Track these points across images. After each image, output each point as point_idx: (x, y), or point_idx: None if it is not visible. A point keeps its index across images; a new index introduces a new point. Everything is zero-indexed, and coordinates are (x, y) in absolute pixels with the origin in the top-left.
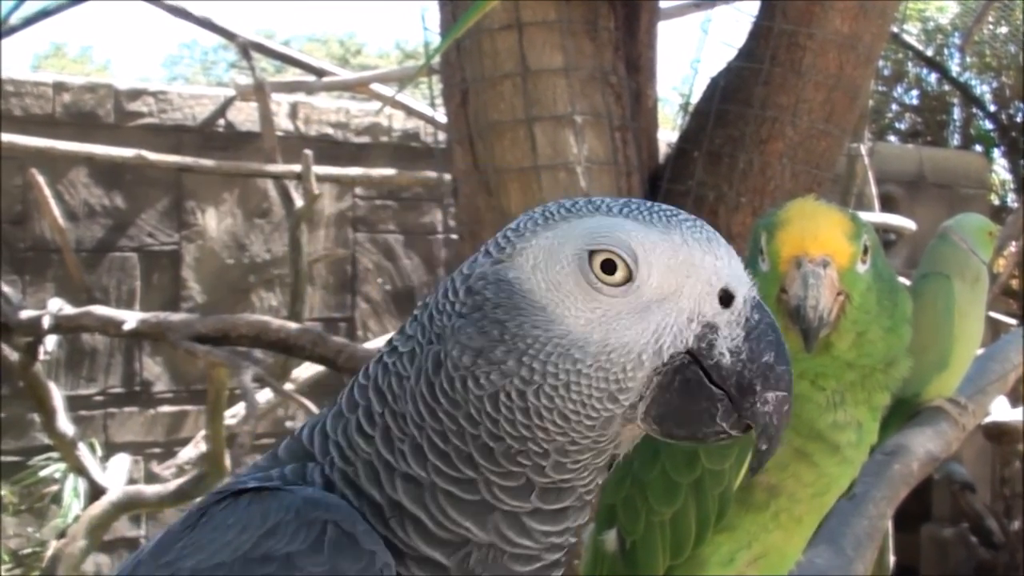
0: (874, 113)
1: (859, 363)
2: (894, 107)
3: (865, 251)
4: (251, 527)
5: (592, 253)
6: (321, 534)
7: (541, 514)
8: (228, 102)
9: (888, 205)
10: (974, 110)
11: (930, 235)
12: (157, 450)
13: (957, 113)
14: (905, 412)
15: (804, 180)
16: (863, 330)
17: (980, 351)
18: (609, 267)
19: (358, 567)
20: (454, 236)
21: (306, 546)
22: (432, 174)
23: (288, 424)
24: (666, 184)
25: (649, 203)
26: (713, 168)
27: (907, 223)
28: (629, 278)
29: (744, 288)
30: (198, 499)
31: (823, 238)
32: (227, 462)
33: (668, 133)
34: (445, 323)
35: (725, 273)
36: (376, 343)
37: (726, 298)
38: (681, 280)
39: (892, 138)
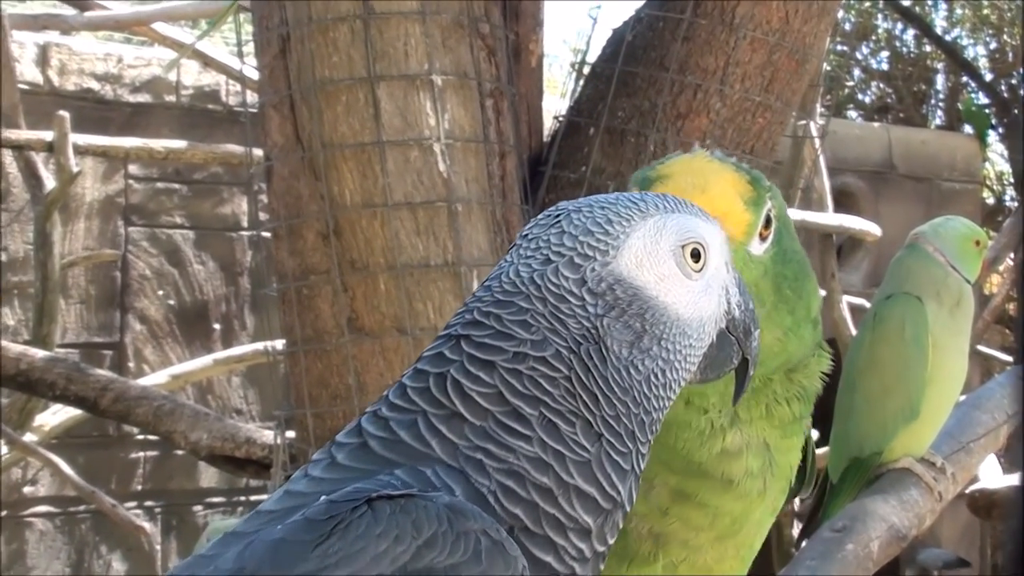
0: (829, 81)
1: None
2: (857, 73)
3: (768, 223)
4: (404, 537)
5: (683, 247)
6: (477, 544)
7: (638, 477)
8: None
9: (845, 201)
10: (964, 79)
11: (898, 243)
12: None
13: (941, 82)
14: (862, 475)
15: None
16: None
17: (962, 397)
18: (696, 256)
19: (508, 571)
20: (265, 234)
21: (467, 557)
22: (236, 148)
23: (27, 490)
24: (551, 169)
25: (679, 197)
26: (614, 150)
27: (869, 227)
28: (704, 263)
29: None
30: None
31: (711, 197)
32: None
33: (556, 101)
34: (585, 325)
35: (726, 245)
36: (155, 378)
37: (727, 265)
38: (719, 258)
39: (853, 114)
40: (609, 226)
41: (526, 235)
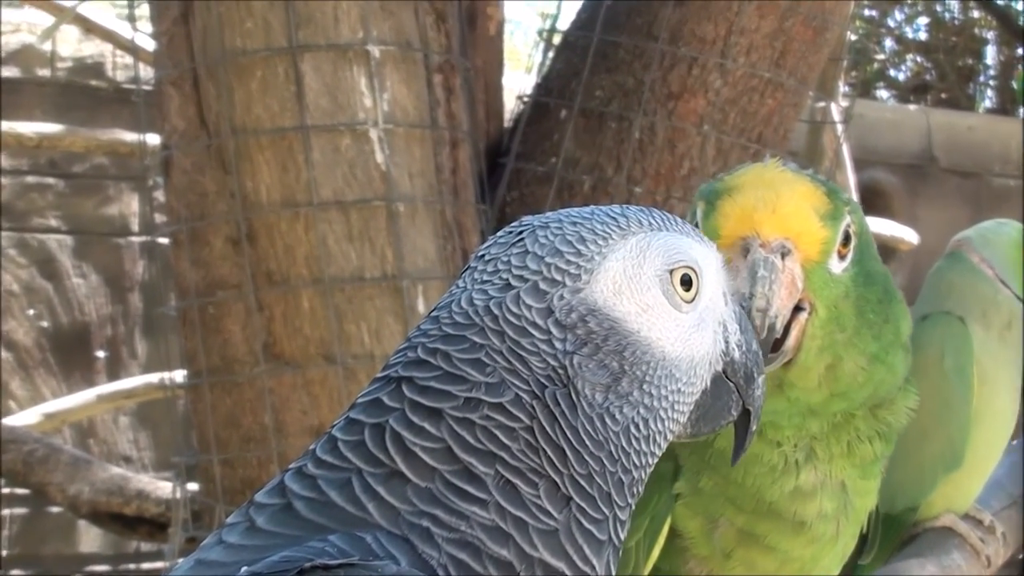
0: (855, 53)
1: (828, 409)
2: (889, 44)
3: (846, 241)
4: None
5: (671, 272)
6: None
7: (617, 548)
8: None
9: (875, 201)
10: (1020, 51)
11: (939, 252)
12: None
13: (991, 56)
14: (895, 535)
15: (738, 158)
16: (835, 360)
17: (1015, 441)
18: (687, 283)
19: None
20: (162, 239)
21: None
22: (127, 135)
23: None
24: (514, 161)
25: (656, 209)
26: (591, 138)
27: (905, 232)
28: (697, 292)
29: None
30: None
31: (784, 214)
32: None
33: (520, 78)
34: (551, 364)
35: (723, 271)
36: (24, 417)
37: (725, 296)
38: (715, 287)
39: (884, 94)
40: (582, 245)
41: (482, 255)
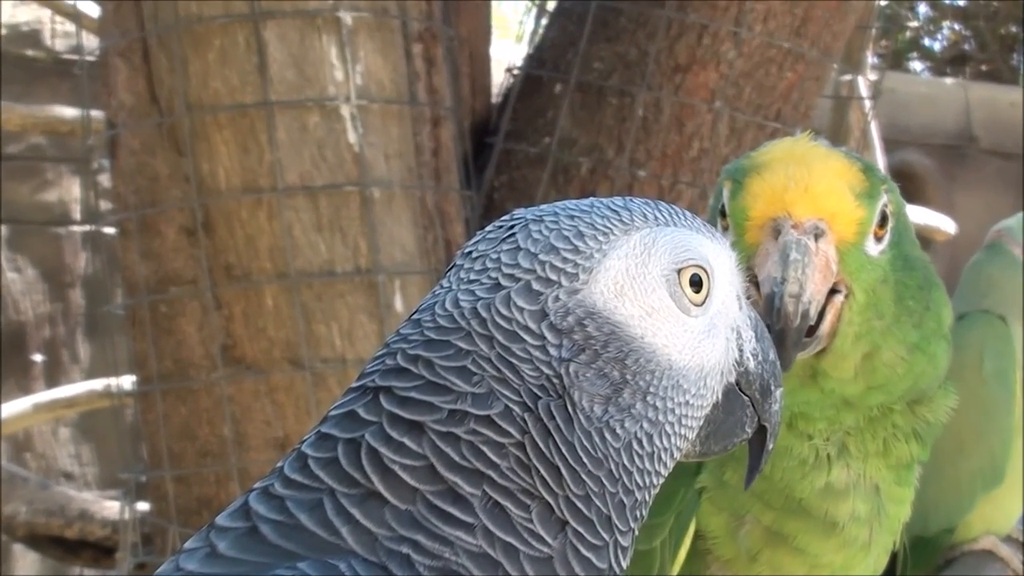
0: (885, 22)
1: (865, 402)
2: (923, 11)
3: (883, 221)
4: None
5: (680, 271)
6: None
7: None
8: None
9: (907, 186)
10: None
11: (978, 243)
12: None
13: None
14: (929, 560)
15: (754, 138)
16: (872, 349)
17: None
18: (696, 284)
19: None
20: (108, 229)
21: None
22: (68, 112)
23: None
24: (503, 140)
25: (663, 202)
26: (589, 115)
27: (941, 221)
28: (708, 295)
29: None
30: None
31: (817, 193)
32: None
33: (509, 48)
34: (545, 372)
35: (737, 271)
36: None
37: (740, 299)
38: (729, 289)
39: (918, 66)
40: (580, 241)
41: (469, 252)
